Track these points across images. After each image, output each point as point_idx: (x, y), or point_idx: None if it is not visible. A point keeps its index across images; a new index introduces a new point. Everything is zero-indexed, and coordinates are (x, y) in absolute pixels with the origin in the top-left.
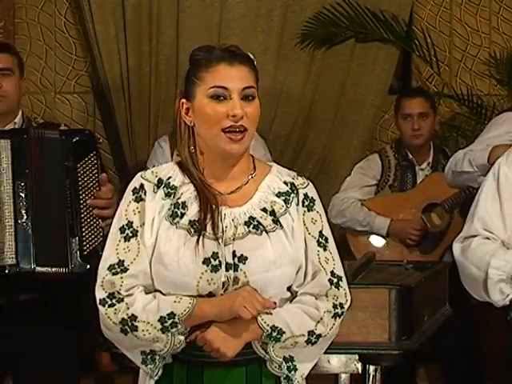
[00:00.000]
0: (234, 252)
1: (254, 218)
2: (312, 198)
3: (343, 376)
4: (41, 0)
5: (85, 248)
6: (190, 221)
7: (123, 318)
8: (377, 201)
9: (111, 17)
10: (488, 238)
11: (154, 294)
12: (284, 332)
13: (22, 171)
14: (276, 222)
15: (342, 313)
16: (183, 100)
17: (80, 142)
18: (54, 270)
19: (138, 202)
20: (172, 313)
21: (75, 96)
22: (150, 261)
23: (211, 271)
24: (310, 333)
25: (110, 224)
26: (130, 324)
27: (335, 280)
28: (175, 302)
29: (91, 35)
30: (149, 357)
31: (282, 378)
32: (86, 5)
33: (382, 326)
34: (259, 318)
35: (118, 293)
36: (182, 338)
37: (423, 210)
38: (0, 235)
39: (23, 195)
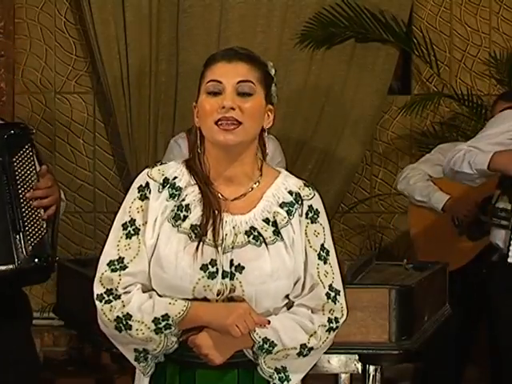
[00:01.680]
0: (231, 261)
1: (255, 229)
2: (316, 209)
3: (343, 376)
4: (41, 0)
5: (30, 242)
6: (191, 225)
7: (118, 316)
8: (443, 181)
9: (111, 17)
10: None
11: (151, 293)
12: (276, 345)
13: None
14: (277, 233)
15: (337, 327)
16: (194, 103)
17: (13, 135)
18: (3, 268)
19: (142, 201)
20: (166, 314)
21: (75, 96)
22: (149, 261)
23: (208, 278)
24: (302, 346)
25: (54, 213)
26: (124, 322)
27: (333, 294)
28: (170, 303)
29: (91, 35)
30: (141, 355)
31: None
32: (86, 5)
33: (382, 326)
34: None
35: (116, 290)
36: (174, 339)
37: (484, 200)
38: None
39: None
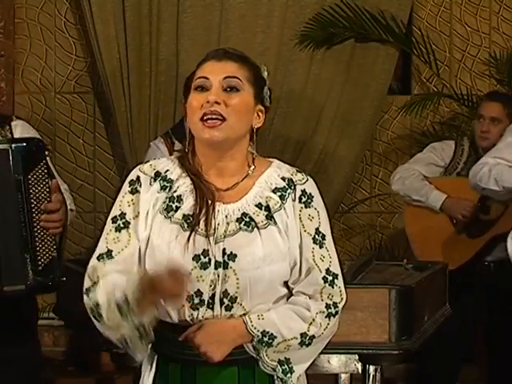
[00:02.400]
0: (223, 250)
1: (247, 215)
2: (310, 194)
3: (343, 376)
4: (41, 0)
5: (40, 263)
6: (183, 215)
7: (91, 308)
8: (439, 180)
9: (111, 17)
10: None
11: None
12: (275, 337)
13: None
14: (270, 217)
15: (337, 312)
16: (183, 102)
17: (29, 152)
18: (14, 288)
19: (133, 194)
20: (125, 296)
21: (75, 96)
22: (144, 253)
23: (200, 268)
24: (303, 335)
25: (62, 231)
26: (96, 312)
27: (330, 278)
28: (127, 281)
29: (91, 35)
30: (125, 342)
31: (275, 377)
32: (86, 5)
33: (382, 326)
34: (249, 323)
35: (97, 278)
36: (148, 318)
37: (482, 199)
38: None
39: None
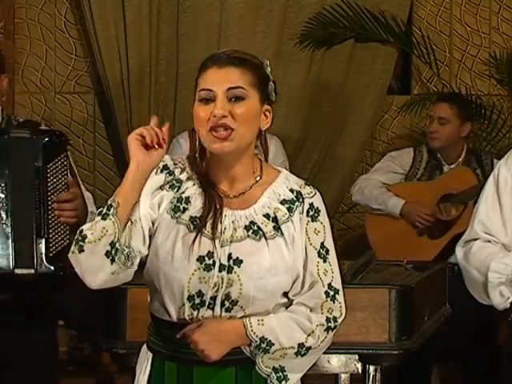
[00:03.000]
0: (229, 254)
1: (255, 223)
2: (317, 208)
3: (343, 376)
4: (41, 0)
5: (51, 250)
6: (191, 216)
7: (76, 238)
8: (398, 186)
9: (111, 17)
10: (489, 241)
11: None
12: (273, 344)
13: (2, 172)
14: (277, 229)
15: (335, 326)
16: (191, 109)
17: (50, 142)
18: (24, 271)
19: None
20: (106, 203)
21: (75, 96)
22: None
23: (204, 270)
24: (300, 345)
25: (77, 224)
26: (79, 238)
27: (332, 293)
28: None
29: (91, 35)
30: (112, 251)
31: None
32: (86, 5)
33: (382, 325)
34: (249, 327)
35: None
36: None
37: (442, 199)
38: None
39: (3, 196)
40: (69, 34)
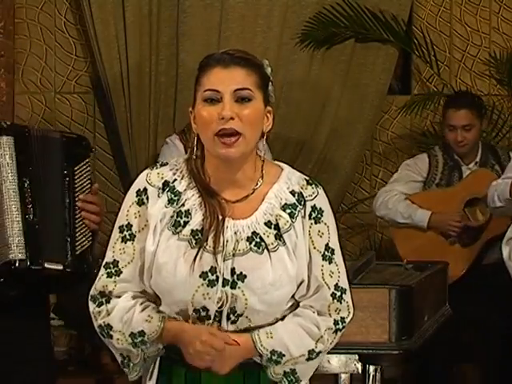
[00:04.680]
0: (233, 269)
1: (257, 234)
2: (320, 209)
3: (343, 376)
4: (41, 0)
5: (77, 249)
6: (192, 230)
7: (100, 325)
8: (420, 195)
9: (111, 17)
10: None
11: (136, 301)
12: (284, 355)
13: (25, 168)
14: (279, 237)
15: (344, 327)
16: (191, 108)
17: (78, 146)
18: (53, 266)
19: (139, 206)
20: (142, 331)
21: (75, 96)
22: (149, 266)
23: (207, 286)
24: (310, 352)
25: (97, 230)
26: (106, 331)
27: (338, 293)
28: (146, 320)
29: (91, 35)
30: (125, 360)
31: None
32: (86, 5)
33: (382, 326)
34: (258, 342)
35: (109, 294)
36: (154, 349)
37: (466, 205)
38: (9, 230)
39: (29, 191)
40: (69, 34)
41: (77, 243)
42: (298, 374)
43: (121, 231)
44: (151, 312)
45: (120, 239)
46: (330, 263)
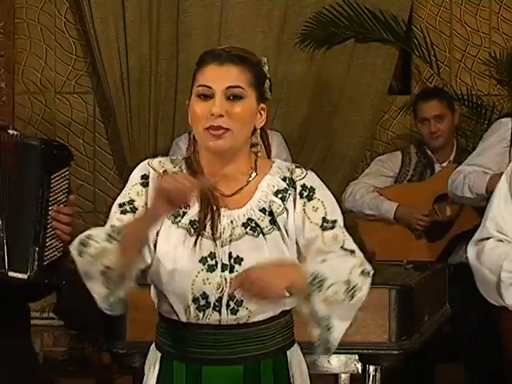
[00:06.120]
0: (230, 253)
1: (253, 220)
2: (311, 187)
3: (343, 376)
4: (41, 0)
5: (45, 259)
6: (190, 220)
7: (80, 239)
8: (391, 189)
9: (111, 17)
10: (501, 241)
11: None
12: (326, 278)
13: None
14: (273, 222)
15: (368, 273)
16: (187, 101)
17: (58, 154)
18: (18, 275)
19: (143, 187)
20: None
21: (75, 96)
22: (154, 242)
23: (207, 271)
24: (347, 282)
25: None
26: (84, 242)
27: (348, 252)
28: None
29: (91, 35)
30: (107, 276)
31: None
32: (86, 5)
33: (382, 325)
34: (300, 266)
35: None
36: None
37: (436, 200)
38: None
39: None
40: (69, 34)
41: (46, 253)
42: (333, 318)
43: (120, 206)
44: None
45: (119, 212)
46: (332, 229)
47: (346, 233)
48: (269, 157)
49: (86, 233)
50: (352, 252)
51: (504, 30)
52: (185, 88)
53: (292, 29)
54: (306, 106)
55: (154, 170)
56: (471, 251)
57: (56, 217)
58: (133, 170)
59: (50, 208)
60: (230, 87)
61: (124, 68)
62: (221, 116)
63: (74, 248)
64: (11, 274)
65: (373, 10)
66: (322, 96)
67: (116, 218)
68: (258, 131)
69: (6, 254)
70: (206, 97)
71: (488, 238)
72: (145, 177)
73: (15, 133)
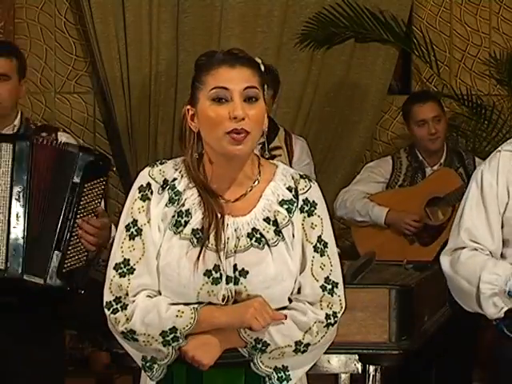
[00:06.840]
0: (235, 266)
1: (257, 230)
2: (313, 201)
3: (343, 376)
4: (41, 0)
5: (65, 266)
6: (192, 229)
7: (123, 332)
8: (382, 195)
9: (111, 17)
10: (476, 250)
11: (157, 299)
12: (269, 344)
13: (20, 177)
14: (278, 233)
15: (336, 322)
16: (188, 106)
17: (94, 164)
18: (33, 279)
19: (143, 201)
20: (174, 328)
21: (75, 96)
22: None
23: (212, 283)
24: (297, 343)
25: (95, 254)
26: (130, 336)
27: (329, 286)
28: (177, 316)
29: (91, 35)
30: (147, 364)
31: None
32: (86, 5)
33: (382, 325)
34: (242, 331)
35: (125, 297)
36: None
37: (428, 204)
38: None
39: (20, 201)
40: (69, 34)
41: (67, 260)
42: (290, 370)
43: (127, 229)
44: (180, 307)
45: (127, 237)
46: (321, 255)
47: (333, 261)
48: (290, 162)
49: (129, 326)
50: (335, 285)
51: (504, 30)
52: (185, 88)
53: (292, 29)
54: (306, 106)
55: (155, 180)
56: (445, 261)
57: (82, 226)
58: (135, 174)
59: (78, 216)
60: (247, 88)
61: (124, 68)
62: (243, 119)
63: (117, 332)
64: (26, 277)
65: (373, 10)
66: (322, 96)
67: (127, 246)
68: (265, 134)
69: (22, 258)
70: (221, 99)
71: (462, 248)
72: (143, 188)
73: (59, 138)
